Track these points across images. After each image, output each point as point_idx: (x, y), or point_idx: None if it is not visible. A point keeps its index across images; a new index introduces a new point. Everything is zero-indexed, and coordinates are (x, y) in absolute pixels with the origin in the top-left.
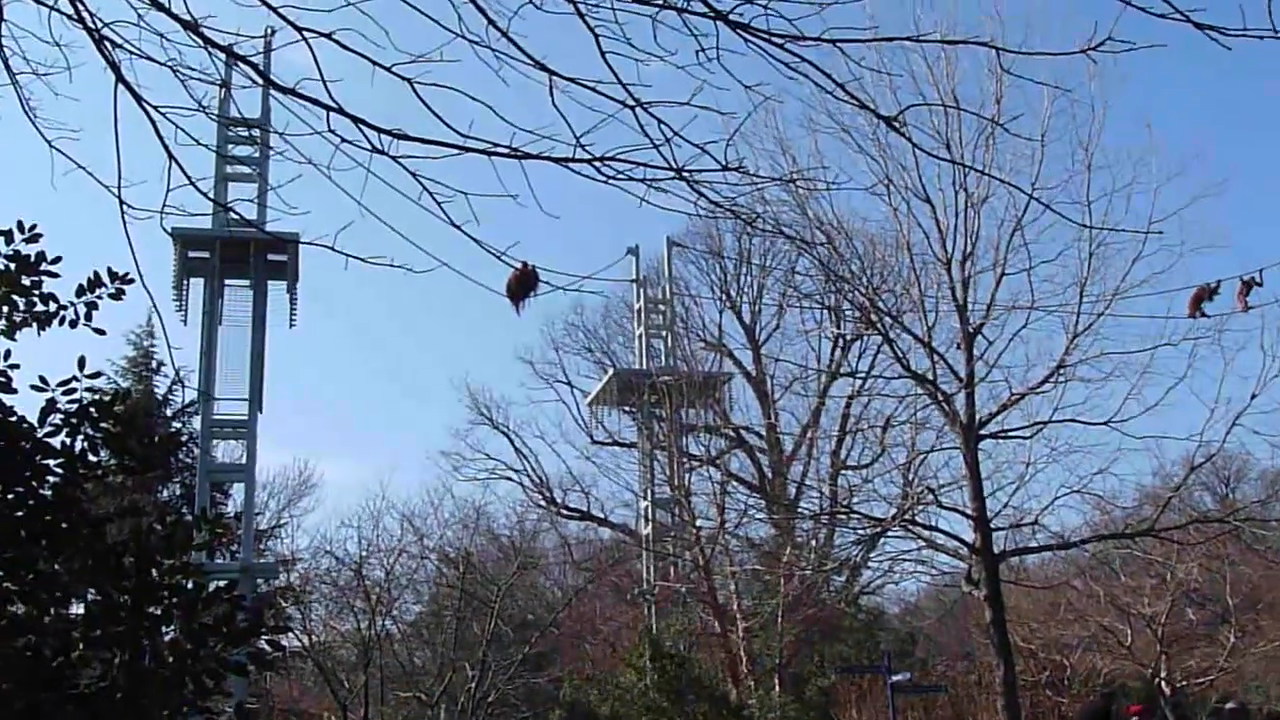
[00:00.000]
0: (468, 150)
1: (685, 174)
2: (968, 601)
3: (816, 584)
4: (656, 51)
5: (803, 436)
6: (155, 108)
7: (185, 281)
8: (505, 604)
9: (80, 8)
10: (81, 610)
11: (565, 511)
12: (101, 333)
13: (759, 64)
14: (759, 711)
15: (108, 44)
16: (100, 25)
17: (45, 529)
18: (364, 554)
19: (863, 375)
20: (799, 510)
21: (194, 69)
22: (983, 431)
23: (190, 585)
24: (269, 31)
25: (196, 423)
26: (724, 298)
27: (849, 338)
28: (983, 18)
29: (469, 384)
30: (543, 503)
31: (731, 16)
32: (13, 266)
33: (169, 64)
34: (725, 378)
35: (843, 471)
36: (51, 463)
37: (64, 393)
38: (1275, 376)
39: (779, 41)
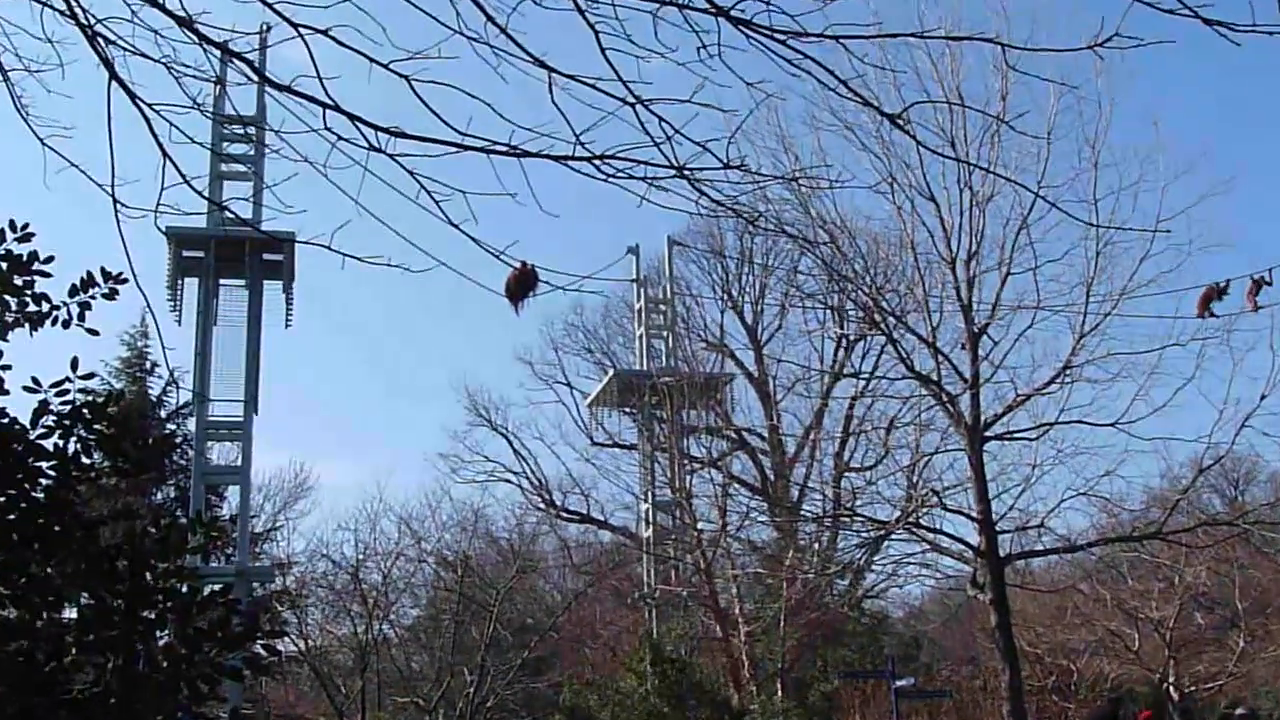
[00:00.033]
0: (466, 148)
1: (686, 172)
2: (973, 605)
3: (819, 587)
4: (657, 48)
5: (805, 438)
6: (149, 105)
7: (180, 281)
8: (504, 608)
9: (73, 3)
10: (75, 614)
11: (565, 514)
12: (95, 333)
13: (761, 61)
14: (761, 717)
15: (101, 40)
16: (93, 21)
17: (38, 532)
18: (361, 557)
19: (866, 376)
20: (802, 513)
21: (188, 66)
22: (988, 433)
23: (185, 589)
24: (264, 28)
25: (191, 424)
26: (725, 297)
27: (852, 338)
28: (988, 13)
29: (467, 385)
30: (542, 505)
31: (733, 12)
32: (4, 266)
33: (163, 61)
34: (727, 378)
35: (846, 474)
36: (44, 465)
37: (57, 394)
38: None
39: (781, 38)
